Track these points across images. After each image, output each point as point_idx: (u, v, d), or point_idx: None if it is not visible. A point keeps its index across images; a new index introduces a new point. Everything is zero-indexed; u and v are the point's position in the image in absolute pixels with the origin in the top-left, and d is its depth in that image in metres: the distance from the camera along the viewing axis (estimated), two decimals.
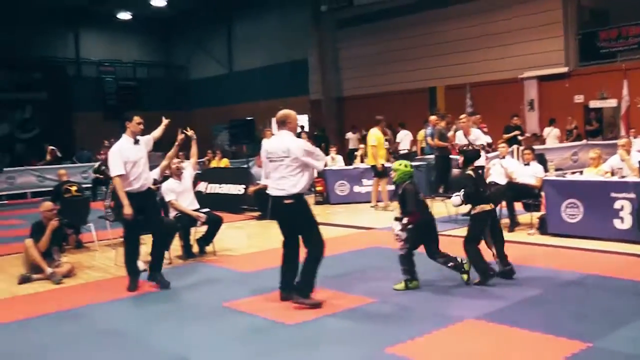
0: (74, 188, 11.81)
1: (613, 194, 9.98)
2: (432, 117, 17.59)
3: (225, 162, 21.36)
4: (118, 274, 9.42)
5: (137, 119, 8.30)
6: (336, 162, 17.99)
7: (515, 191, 11.38)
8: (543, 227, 10.85)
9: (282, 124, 7.21)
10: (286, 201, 6.99)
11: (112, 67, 37.20)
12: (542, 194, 11.10)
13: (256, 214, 14.89)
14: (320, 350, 5.82)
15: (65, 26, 35.23)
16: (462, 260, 7.77)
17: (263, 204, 14.48)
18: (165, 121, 9.21)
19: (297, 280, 7.20)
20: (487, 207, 7.91)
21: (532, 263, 8.83)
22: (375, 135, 15.26)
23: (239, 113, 27.25)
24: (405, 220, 7.50)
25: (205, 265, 9.73)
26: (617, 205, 9.91)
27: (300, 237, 7.21)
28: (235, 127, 19.73)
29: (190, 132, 10.00)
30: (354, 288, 7.91)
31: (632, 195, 9.77)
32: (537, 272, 8.29)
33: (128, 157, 8.06)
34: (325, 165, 15.90)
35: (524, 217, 11.70)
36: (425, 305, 6.30)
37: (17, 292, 8.62)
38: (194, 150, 10.60)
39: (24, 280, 9.04)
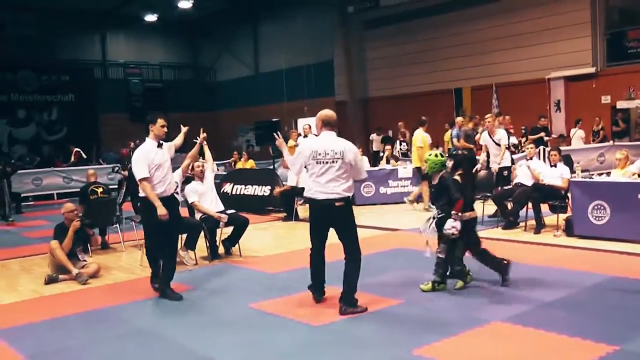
0: (100, 190, 11.88)
1: None
2: (459, 119, 17.55)
3: (251, 164, 21.45)
4: (144, 274, 9.50)
5: (160, 121, 8.11)
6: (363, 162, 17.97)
7: (542, 192, 11.31)
8: (569, 229, 10.78)
9: (329, 124, 7.09)
10: (337, 204, 6.84)
11: (139, 69, 37.48)
12: (569, 195, 11.03)
13: (282, 215, 14.93)
14: (347, 352, 5.82)
15: (92, 29, 35.60)
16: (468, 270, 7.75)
17: (289, 205, 14.58)
18: (184, 129, 9.02)
19: (342, 291, 7.00)
20: (474, 214, 7.79)
21: (558, 265, 8.77)
22: (421, 136, 15.24)
23: (265, 114, 27.32)
24: (453, 212, 7.32)
25: (231, 266, 9.77)
26: None
27: (340, 241, 7.08)
28: (260, 129, 19.78)
29: (202, 136, 9.71)
30: (380, 289, 7.89)
31: None
32: (563, 275, 8.23)
33: (152, 160, 7.86)
34: None
35: (550, 218, 11.63)
36: (452, 307, 6.28)
37: (43, 292, 8.73)
38: (207, 154, 10.71)
39: (51, 280, 9.14)
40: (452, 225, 7.27)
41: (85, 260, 9.60)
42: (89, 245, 10.42)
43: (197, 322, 6.97)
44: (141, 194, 7.89)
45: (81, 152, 25.22)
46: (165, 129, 8.13)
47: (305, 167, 7.13)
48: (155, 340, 6.44)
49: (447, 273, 7.61)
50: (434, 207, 7.69)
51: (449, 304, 7.00)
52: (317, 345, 6.06)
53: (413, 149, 15.69)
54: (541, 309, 6.81)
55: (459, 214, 7.34)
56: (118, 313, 7.48)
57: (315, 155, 6.89)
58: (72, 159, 24.96)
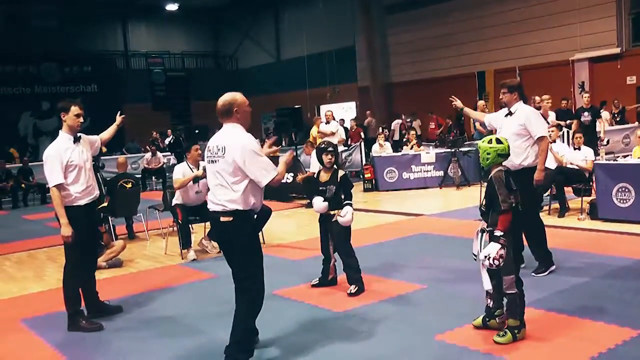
0: (129, 185, 11.83)
1: None
2: (480, 102, 17.40)
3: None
4: (168, 263, 9.60)
5: (75, 109, 6.58)
6: (385, 149, 17.94)
7: (566, 176, 11.24)
8: (594, 212, 10.70)
9: (222, 114, 5.33)
10: (223, 219, 5.17)
11: (161, 59, 37.65)
12: (593, 178, 10.95)
13: (305, 201, 14.95)
14: (369, 337, 5.83)
15: (113, 19, 35.84)
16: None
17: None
18: (119, 118, 7.73)
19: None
20: None
21: (582, 249, 8.72)
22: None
23: (287, 101, 27.34)
24: (498, 232, 5.32)
25: None
26: None
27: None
28: (282, 116, 19.78)
29: (119, 118, 7.81)
30: (403, 274, 7.92)
31: None
32: (587, 258, 8.18)
33: (68, 160, 6.50)
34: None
35: (574, 202, 11.56)
36: (475, 292, 6.26)
37: None
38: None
39: None
40: (498, 255, 5.27)
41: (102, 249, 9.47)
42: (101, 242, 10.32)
43: (220, 310, 7.00)
44: None
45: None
46: (81, 119, 6.62)
47: None
48: (180, 328, 6.50)
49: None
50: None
51: (471, 289, 6.96)
52: (339, 331, 6.08)
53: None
54: (565, 293, 6.78)
55: (505, 233, 5.33)
56: (143, 301, 7.55)
57: (207, 154, 5.35)
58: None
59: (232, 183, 5.08)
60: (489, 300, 5.75)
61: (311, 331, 6.04)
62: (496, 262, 5.26)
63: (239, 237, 5.19)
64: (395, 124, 24.48)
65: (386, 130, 22.17)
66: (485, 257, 5.30)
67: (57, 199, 6.36)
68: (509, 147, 5.67)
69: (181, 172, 10.04)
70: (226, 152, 5.08)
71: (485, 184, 5.69)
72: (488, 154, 5.58)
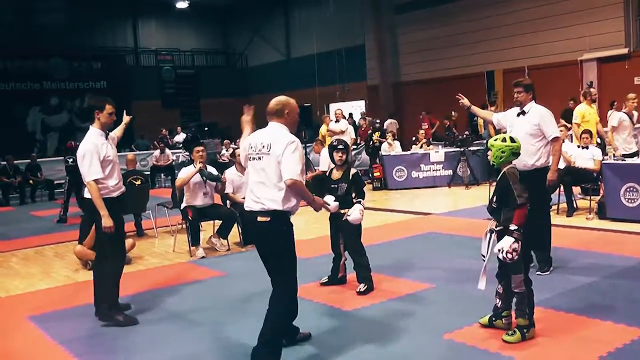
0: (138, 182, 11.86)
1: None
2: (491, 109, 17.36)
3: None
4: (177, 260, 9.65)
5: (109, 107, 6.73)
6: (394, 148, 17.96)
7: (574, 175, 11.25)
8: (602, 212, 10.71)
9: (271, 114, 5.36)
10: (260, 219, 5.11)
11: (170, 56, 37.71)
12: (601, 178, 10.96)
13: None
14: (378, 336, 5.86)
15: (123, 16, 35.88)
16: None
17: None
18: (126, 118, 7.75)
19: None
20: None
21: (590, 248, 8.73)
22: (580, 111, 12.93)
23: (297, 99, 26.84)
24: (513, 227, 5.33)
25: None
26: None
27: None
28: None
29: (126, 118, 7.75)
30: (412, 274, 7.95)
31: None
32: (596, 258, 8.19)
33: (105, 154, 6.64)
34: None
35: (582, 201, 11.57)
36: (483, 291, 6.29)
37: (77, 279, 8.89)
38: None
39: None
40: (512, 248, 5.29)
41: None
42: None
43: (229, 308, 7.05)
44: (88, 195, 6.61)
45: None
46: (114, 117, 6.83)
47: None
48: (189, 325, 6.54)
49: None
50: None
51: (483, 291, 7.02)
52: (348, 330, 6.12)
53: (573, 127, 13.11)
54: (573, 293, 6.80)
55: (521, 229, 5.35)
56: (151, 299, 7.59)
57: (248, 150, 5.29)
58: None
59: (277, 181, 5.02)
60: (497, 300, 5.77)
61: (320, 329, 6.06)
62: (509, 255, 5.27)
63: (276, 238, 5.14)
64: (388, 123, 24.47)
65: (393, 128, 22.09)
66: (499, 250, 5.32)
67: (97, 192, 6.47)
68: (520, 145, 5.70)
69: (186, 172, 10.10)
70: (272, 149, 5.03)
71: (494, 182, 5.68)
72: (502, 152, 5.55)
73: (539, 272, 7.45)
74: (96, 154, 6.50)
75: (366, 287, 7.25)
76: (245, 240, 10.26)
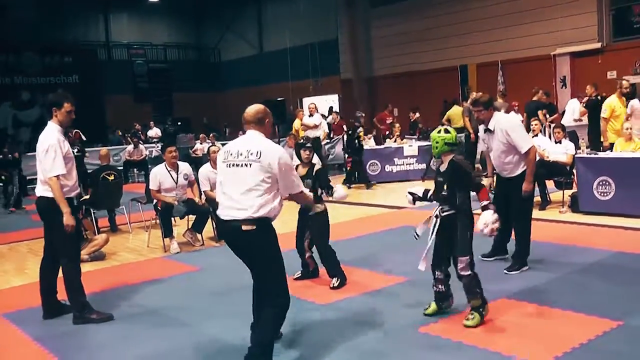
0: (111, 177, 11.69)
1: None
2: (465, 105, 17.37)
3: None
4: (151, 255, 9.60)
5: (67, 105, 6.66)
6: (367, 142, 17.96)
7: (547, 169, 11.31)
8: (575, 205, 10.81)
9: (248, 122, 5.17)
10: (245, 228, 4.90)
11: (143, 50, 37.42)
12: (574, 171, 11.05)
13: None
14: (353, 330, 5.87)
15: (95, 9, 35.51)
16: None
17: None
18: None
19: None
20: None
21: (563, 241, 8.81)
22: (611, 104, 12.66)
23: (270, 93, 27.27)
24: (485, 202, 5.70)
25: None
26: None
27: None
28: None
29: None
30: (387, 267, 7.97)
31: None
32: (568, 251, 8.27)
33: (66, 151, 6.54)
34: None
35: (555, 195, 11.65)
36: (458, 285, 6.32)
37: None
38: None
39: None
40: (495, 219, 5.62)
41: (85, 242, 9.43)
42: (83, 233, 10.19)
43: (204, 303, 7.02)
44: (44, 193, 6.45)
45: (80, 133, 25.21)
46: (73, 116, 6.71)
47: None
48: (164, 320, 6.50)
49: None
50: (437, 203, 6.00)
51: (454, 281, 7.02)
52: (323, 323, 6.12)
53: (601, 122, 12.85)
54: (546, 285, 6.86)
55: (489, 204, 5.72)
56: (126, 294, 7.53)
57: (227, 157, 5.12)
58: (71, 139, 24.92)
59: (267, 188, 4.92)
60: (439, 286, 6.04)
61: (296, 325, 6.04)
62: (495, 225, 5.60)
63: (265, 246, 5.03)
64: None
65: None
66: (484, 224, 5.58)
67: (59, 188, 6.26)
68: (456, 137, 6.00)
69: (158, 175, 10.02)
70: (262, 157, 4.91)
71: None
72: (437, 142, 5.90)
73: (505, 271, 7.44)
74: (59, 149, 6.34)
75: (339, 281, 7.27)
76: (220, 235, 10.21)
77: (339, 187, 7.26)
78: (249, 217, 4.89)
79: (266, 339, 5.00)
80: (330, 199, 7.31)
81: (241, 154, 5.00)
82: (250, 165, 4.93)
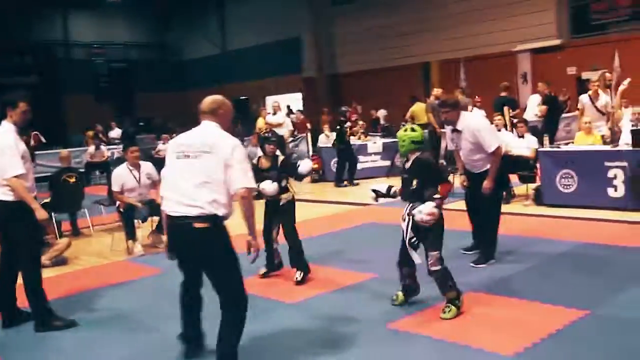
0: (72, 179, 11.46)
1: (607, 163, 10.06)
2: (438, 91, 17.32)
3: None
4: (114, 258, 9.45)
5: (23, 105, 6.31)
6: (330, 139, 17.93)
7: (511, 163, 11.37)
8: (539, 198, 10.92)
9: (205, 113, 4.96)
10: (197, 225, 4.63)
11: (103, 49, 36.99)
12: (537, 165, 11.15)
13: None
14: (322, 328, 5.85)
15: (53, 8, 34.85)
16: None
17: (258, 182, 14.55)
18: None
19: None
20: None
21: (528, 234, 8.89)
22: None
23: (234, 92, 27.14)
24: (437, 196, 5.75)
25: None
26: (610, 174, 10.03)
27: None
28: None
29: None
30: (353, 264, 7.95)
31: (625, 164, 9.85)
32: (533, 243, 8.35)
33: (23, 150, 6.30)
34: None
35: (519, 188, 11.74)
36: (425, 280, 6.30)
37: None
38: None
39: None
40: (431, 210, 5.67)
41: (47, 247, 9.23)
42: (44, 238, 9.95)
43: (169, 306, 6.88)
44: (1, 197, 6.17)
45: (40, 135, 24.83)
46: (29, 116, 6.38)
47: None
48: (128, 325, 6.40)
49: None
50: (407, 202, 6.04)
51: (421, 277, 7.00)
52: (291, 322, 6.06)
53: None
54: (513, 277, 6.91)
55: (444, 200, 5.85)
56: (88, 299, 7.38)
57: (178, 148, 4.86)
58: (32, 142, 24.55)
59: (221, 182, 4.61)
60: (406, 281, 6.16)
61: (263, 323, 5.97)
62: (427, 217, 5.65)
63: (220, 246, 4.73)
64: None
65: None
66: (419, 211, 5.67)
67: (23, 187, 6.05)
68: (422, 135, 6.14)
69: (120, 176, 9.84)
70: (215, 149, 4.63)
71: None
72: (404, 141, 5.99)
73: (472, 264, 7.50)
74: (16, 149, 6.13)
75: (302, 273, 7.33)
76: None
77: (303, 162, 7.54)
78: (201, 214, 4.59)
79: (234, 347, 4.77)
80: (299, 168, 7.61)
81: (194, 145, 4.74)
82: (204, 156, 4.65)
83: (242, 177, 4.64)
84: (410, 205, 5.91)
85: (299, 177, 7.70)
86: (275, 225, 7.64)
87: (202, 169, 4.63)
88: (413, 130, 6.04)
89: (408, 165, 6.04)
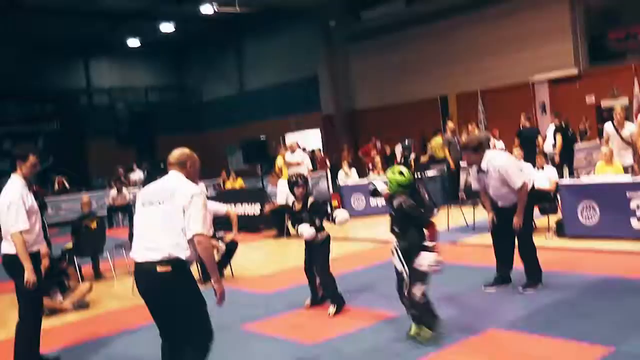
0: (93, 225, 11.62)
1: (629, 194, 9.94)
2: (450, 124, 17.44)
3: (240, 182, 21.38)
4: (137, 302, 9.40)
5: (32, 159, 6.52)
6: (350, 176, 17.95)
7: (531, 196, 11.30)
8: (560, 230, 10.81)
9: (171, 164, 5.14)
10: (160, 269, 4.70)
11: (124, 94, 37.38)
12: (558, 197, 11.07)
13: (273, 232, 14.93)
14: None
15: (75, 56, 35.40)
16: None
17: (279, 223, 14.60)
18: None
19: None
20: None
21: (551, 267, 8.73)
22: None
23: (252, 132, 27.24)
24: (430, 244, 6.16)
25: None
26: (632, 205, 9.89)
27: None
28: (247, 147, 19.73)
29: None
30: (376, 302, 7.91)
31: None
32: (556, 277, 8.21)
33: (30, 206, 6.49)
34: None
35: (541, 221, 11.64)
36: (447, 317, 6.24)
37: None
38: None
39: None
40: (436, 260, 6.09)
41: (62, 295, 9.37)
42: (66, 282, 9.95)
43: None
44: (8, 250, 6.40)
45: (64, 180, 25.13)
46: (38, 168, 6.62)
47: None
48: None
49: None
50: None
51: (443, 315, 6.93)
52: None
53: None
54: (536, 314, 6.81)
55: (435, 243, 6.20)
56: (111, 343, 7.41)
57: (143, 197, 5.04)
58: (56, 187, 24.90)
59: (181, 228, 4.72)
60: (412, 311, 6.33)
61: None
62: (436, 267, 6.08)
63: (184, 289, 4.81)
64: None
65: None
66: (429, 265, 6.05)
67: (23, 244, 6.21)
68: (409, 179, 6.41)
69: None
70: (176, 196, 4.79)
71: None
72: (391, 182, 6.41)
73: (521, 288, 7.71)
74: (22, 204, 6.28)
75: (336, 306, 7.54)
76: (205, 277, 10.11)
77: (339, 212, 7.90)
78: (164, 258, 4.67)
79: None
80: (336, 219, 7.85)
81: (157, 193, 4.93)
82: (165, 202, 4.81)
83: (196, 224, 4.73)
84: (396, 242, 6.37)
85: (332, 219, 7.90)
86: (314, 263, 7.89)
87: (163, 214, 4.79)
88: (401, 174, 6.38)
89: (395, 204, 6.38)
